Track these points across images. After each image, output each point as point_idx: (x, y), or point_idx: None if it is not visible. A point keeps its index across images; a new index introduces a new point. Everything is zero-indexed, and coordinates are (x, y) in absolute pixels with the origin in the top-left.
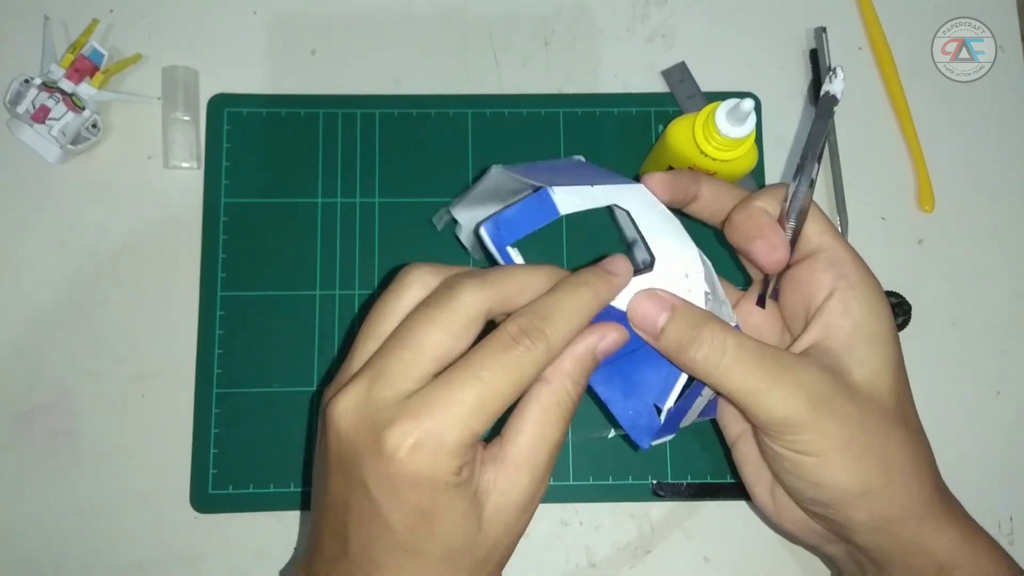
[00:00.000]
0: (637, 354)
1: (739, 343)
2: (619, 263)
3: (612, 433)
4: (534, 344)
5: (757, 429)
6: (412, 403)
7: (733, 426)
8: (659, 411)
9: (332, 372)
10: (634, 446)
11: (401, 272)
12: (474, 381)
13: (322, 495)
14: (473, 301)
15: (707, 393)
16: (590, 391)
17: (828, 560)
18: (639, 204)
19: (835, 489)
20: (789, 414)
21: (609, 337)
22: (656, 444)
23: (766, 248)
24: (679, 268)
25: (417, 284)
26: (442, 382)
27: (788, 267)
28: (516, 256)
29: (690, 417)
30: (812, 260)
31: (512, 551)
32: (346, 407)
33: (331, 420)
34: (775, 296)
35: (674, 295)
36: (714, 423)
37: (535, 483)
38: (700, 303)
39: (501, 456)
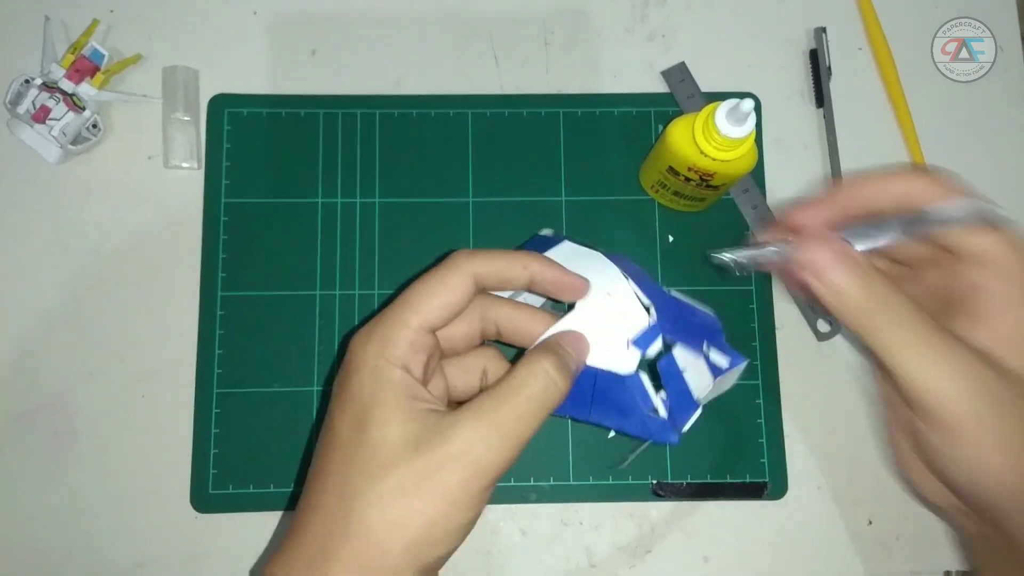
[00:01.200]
0: (597, 392)
1: (922, 319)
2: (579, 280)
3: (612, 433)
4: (458, 256)
5: (912, 411)
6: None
7: (886, 388)
8: (658, 411)
9: (332, 372)
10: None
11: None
12: (409, 289)
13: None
14: (465, 269)
15: (696, 372)
16: (594, 424)
17: (957, 529)
18: (563, 254)
19: (982, 472)
20: (950, 397)
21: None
22: (688, 429)
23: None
24: (602, 290)
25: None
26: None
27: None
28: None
29: (712, 391)
30: (971, 262)
31: (456, 531)
32: (353, 346)
33: (346, 351)
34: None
35: (858, 251)
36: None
37: (480, 443)
38: (638, 309)
39: (477, 403)
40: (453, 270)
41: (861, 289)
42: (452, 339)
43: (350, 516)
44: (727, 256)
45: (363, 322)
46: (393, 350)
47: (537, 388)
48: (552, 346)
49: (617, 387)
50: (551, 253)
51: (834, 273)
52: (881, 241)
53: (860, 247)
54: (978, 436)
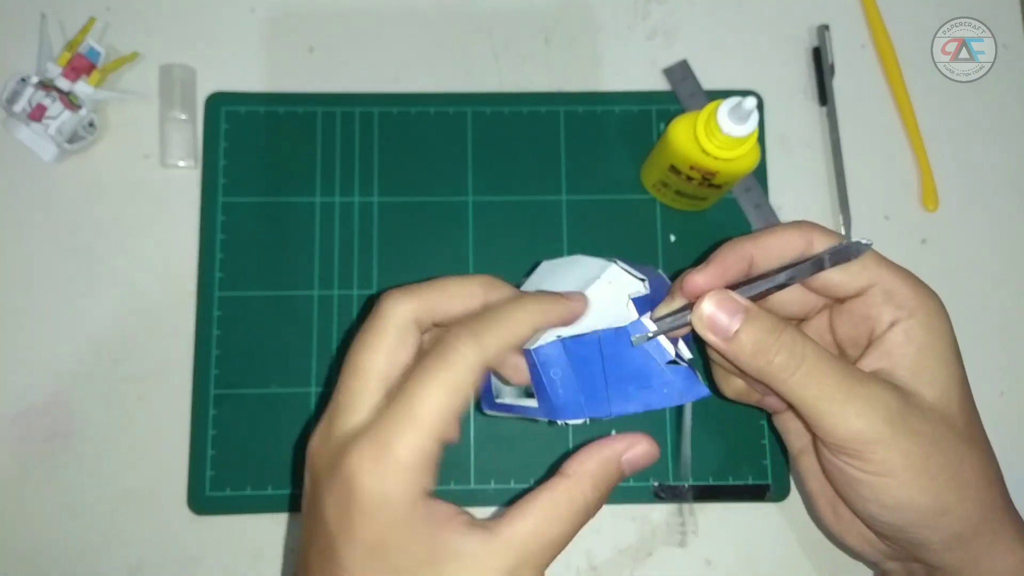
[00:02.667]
0: (608, 366)
1: (818, 352)
2: (576, 295)
3: (613, 434)
4: (462, 347)
5: (823, 447)
6: (364, 428)
7: (797, 440)
8: (679, 362)
9: (332, 372)
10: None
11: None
12: (411, 395)
13: (301, 537)
14: (398, 312)
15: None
16: (628, 418)
17: (881, 572)
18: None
19: (912, 510)
20: (864, 429)
21: (638, 447)
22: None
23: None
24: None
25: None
26: (389, 402)
27: (841, 301)
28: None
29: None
30: (867, 296)
31: None
32: (312, 447)
33: (307, 463)
34: None
35: (744, 299)
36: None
37: (523, 566)
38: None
39: (494, 528)
40: (460, 371)
41: (756, 332)
42: None
43: None
44: (650, 334)
45: (317, 418)
46: (412, 484)
47: (572, 516)
48: (595, 471)
49: (628, 356)
50: (531, 283)
51: (726, 322)
52: (766, 287)
53: (749, 296)
54: (908, 475)
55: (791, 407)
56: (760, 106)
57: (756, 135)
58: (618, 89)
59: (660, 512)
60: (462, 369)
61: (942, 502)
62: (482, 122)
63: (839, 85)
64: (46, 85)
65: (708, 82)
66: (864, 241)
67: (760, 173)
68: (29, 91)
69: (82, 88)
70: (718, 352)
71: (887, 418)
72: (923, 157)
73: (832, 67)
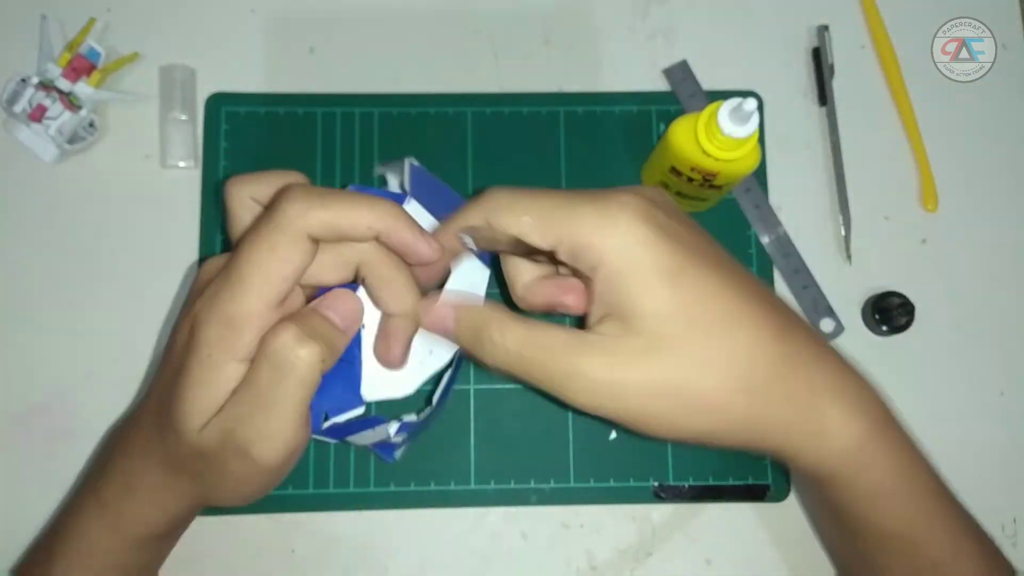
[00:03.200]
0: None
1: (519, 334)
2: (434, 244)
3: (613, 435)
4: (280, 211)
5: None
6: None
7: None
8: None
9: None
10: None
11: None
12: (238, 260)
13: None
14: (296, 222)
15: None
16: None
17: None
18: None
19: (683, 432)
20: (592, 400)
21: (333, 296)
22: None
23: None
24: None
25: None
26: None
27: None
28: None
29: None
30: (561, 256)
31: (261, 490)
32: (198, 278)
33: (194, 310)
34: None
35: (460, 297)
36: None
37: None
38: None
39: (239, 398)
40: (286, 235)
41: (465, 328)
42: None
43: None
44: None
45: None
46: (237, 346)
47: (286, 394)
48: (299, 318)
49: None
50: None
51: (438, 322)
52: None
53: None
54: (658, 419)
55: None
56: (760, 106)
57: (757, 136)
58: (618, 90)
59: (660, 512)
60: (288, 236)
61: (701, 425)
62: (482, 123)
63: (839, 86)
64: (46, 86)
65: (708, 82)
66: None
67: (760, 173)
68: (29, 92)
69: (82, 89)
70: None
71: (607, 381)
72: (923, 157)
73: (832, 68)
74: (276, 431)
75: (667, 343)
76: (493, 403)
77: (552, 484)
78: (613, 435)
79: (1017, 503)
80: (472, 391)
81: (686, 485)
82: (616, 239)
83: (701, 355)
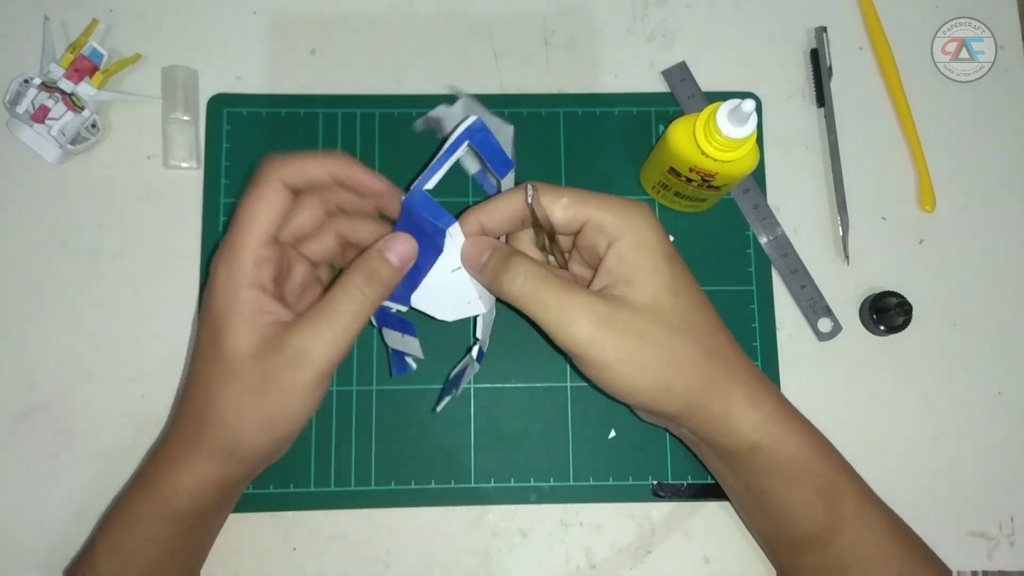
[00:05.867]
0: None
1: (535, 274)
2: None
3: (613, 434)
4: (269, 168)
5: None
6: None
7: None
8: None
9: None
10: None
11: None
12: (237, 213)
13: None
14: (271, 172)
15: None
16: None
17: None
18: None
19: (638, 393)
20: (577, 332)
21: (392, 238)
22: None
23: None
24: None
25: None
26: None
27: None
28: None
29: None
30: (585, 231)
31: (271, 416)
32: (212, 263)
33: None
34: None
35: (490, 242)
36: None
37: (313, 342)
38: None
39: (304, 314)
40: (263, 184)
41: (495, 261)
42: (312, 252)
43: (210, 410)
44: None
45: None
46: (239, 272)
47: (348, 303)
48: (361, 264)
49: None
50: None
51: (476, 256)
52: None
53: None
54: (622, 367)
55: None
56: (758, 107)
57: (755, 137)
58: (617, 91)
59: (659, 510)
60: (269, 185)
61: (661, 383)
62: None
63: (837, 87)
64: (49, 86)
65: (706, 84)
66: (530, 188)
67: (758, 174)
68: (32, 92)
69: (85, 89)
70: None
71: (594, 321)
72: (920, 158)
73: (830, 69)
74: (331, 338)
75: (658, 305)
76: (493, 402)
77: (551, 483)
78: (612, 434)
79: (1015, 502)
80: (472, 390)
81: (684, 483)
82: (636, 220)
83: (682, 320)
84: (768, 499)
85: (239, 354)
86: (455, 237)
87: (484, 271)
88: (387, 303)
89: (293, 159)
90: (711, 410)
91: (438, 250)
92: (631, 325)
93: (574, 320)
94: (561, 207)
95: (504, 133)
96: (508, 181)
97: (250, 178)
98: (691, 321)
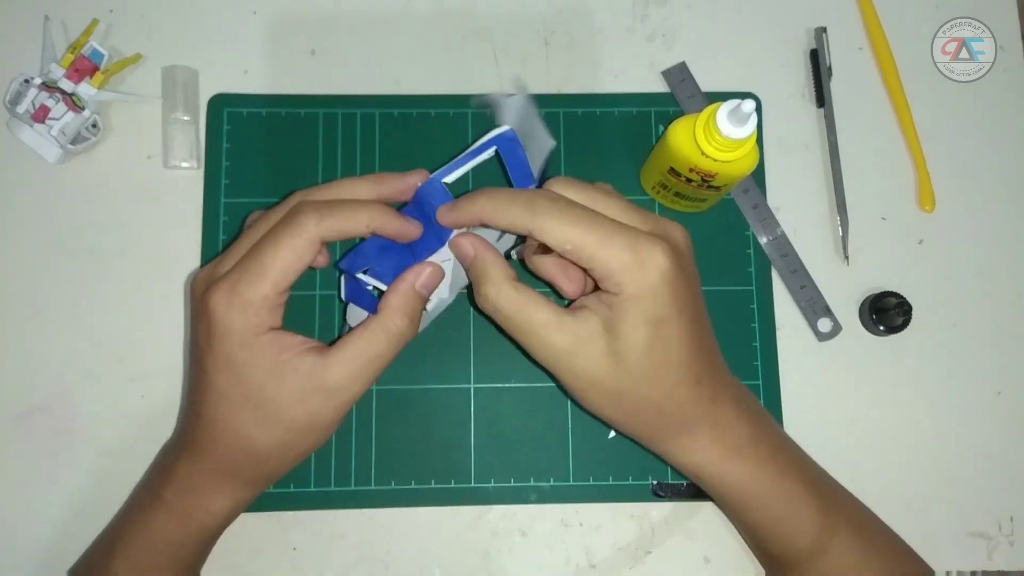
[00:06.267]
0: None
1: (509, 303)
2: (415, 224)
3: (612, 434)
4: (307, 221)
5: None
6: (227, 273)
7: None
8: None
9: None
10: None
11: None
12: (261, 252)
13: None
14: (311, 227)
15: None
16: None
17: None
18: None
19: (596, 413)
20: (546, 356)
21: (424, 273)
22: None
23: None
24: None
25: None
26: (246, 256)
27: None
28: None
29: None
30: (592, 270)
31: (307, 445)
32: (196, 280)
33: (190, 292)
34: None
35: (484, 243)
36: None
37: (349, 380)
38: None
39: (326, 352)
40: (299, 236)
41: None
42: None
43: (254, 452)
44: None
45: (207, 261)
46: (256, 318)
47: (388, 345)
48: (402, 303)
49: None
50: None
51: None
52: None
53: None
54: (582, 394)
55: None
56: (758, 108)
57: (755, 137)
58: (617, 91)
59: (659, 510)
60: (304, 239)
61: (610, 417)
62: (483, 123)
63: (837, 87)
64: (49, 86)
65: (706, 84)
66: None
67: (758, 174)
68: (32, 92)
69: (85, 89)
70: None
71: (564, 350)
72: (920, 158)
73: (830, 69)
74: (370, 377)
75: (625, 355)
76: (493, 402)
77: (551, 482)
78: (612, 434)
79: (1014, 502)
80: (472, 390)
81: (684, 483)
82: (637, 284)
83: (643, 375)
84: (752, 524)
85: (281, 403)
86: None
87: (469, 268)
88: (364, 279)
89: (332, 212)
90: (656, 447)
91: (440, 242)
92: (594, 360)
93: (545, 346)
94: (566, 249)
95: (542, 145)
96: None
97: (280, 213)
98: (652, 378)
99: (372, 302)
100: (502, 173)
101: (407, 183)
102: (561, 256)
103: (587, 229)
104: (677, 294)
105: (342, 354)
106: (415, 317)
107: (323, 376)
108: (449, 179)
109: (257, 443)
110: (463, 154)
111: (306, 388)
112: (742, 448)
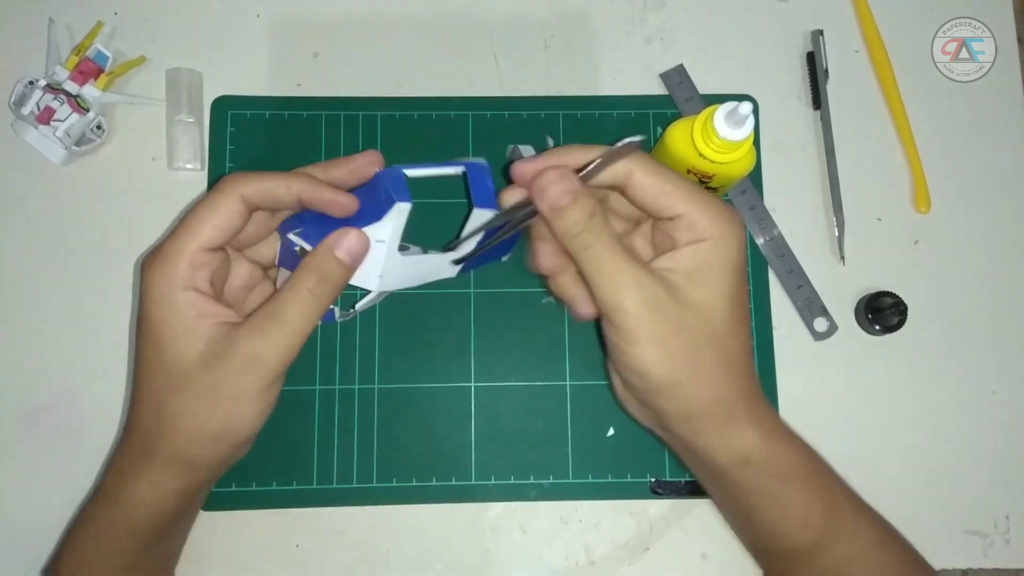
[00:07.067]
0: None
1: (609, 238)
2: (349, 199)
3: (611, 432)
4: (227, 184)
5: (605, 325)
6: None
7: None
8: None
9: (333, 371)
10: None
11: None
12: (186, 217)
13: None
14: (232, 186)
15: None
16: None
17: (665, 443)
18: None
19: (648, 376)
20: (622, 301)
21: (347, 235)
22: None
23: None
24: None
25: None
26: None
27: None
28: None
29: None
30: (677, 221)
31: (220, 421)
32: (145, 263)
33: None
34: None
35: (578, 182)
36: None
37: (258, 347)
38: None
39: (252, 317)
40: (222, 194)
41: (576, 209)
42: (252, 236)
43: (162, 421)
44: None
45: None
46: (174, 276)
47: (300, 306)
48: (313, 264)
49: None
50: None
51: (557, 194)
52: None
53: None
54: (650, 347)
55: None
56: (755, 110)
57: (752, 139)
58: (616, 93)
59: (657, 507)
60: (225, 194)
61: (676, 378)
62: (483, 125)
63: (833, 89)
64: (54, 88)
65: (704, 86)
66: (634, 139)
67: (755, 176)
68: (37, 94)
69: (90, 91)
70: (545, 221)
71: (642, 297)
72: (915, 159)
73: (826, 71)
74: (283, 342)
75: (710, 308)
76: (493, 401)
77: (551, 480)
78: (611, 432)
79: (1009, 500)
80: (473, 389)
81: (682, 481)
82: (727, 232)
83: (724, 331)
84: (757, 512)
85: (186, 363)
86: (401, 215)
87: (561, 219)
88: (293, 239)
89: (256, 176)
90: (707, 421)
91: (378, 219)
92: (676, 314)
93: (623, 289)
94: (663, 192)
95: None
96: (477, 215)
97: (211, 189)
98: (730, 335)
99: (296, 264)
100: (465, 196)
101: (355, 163)
102: (580, 273)
103: (679, 181)
104: (744, 259)
105: (251, 321)
106: (330, 279)
107: (231, 342)
108: (411, 173)
109: (165, 408)
110: (436, 162)
111: (216, 352)
112: (790, 430)
